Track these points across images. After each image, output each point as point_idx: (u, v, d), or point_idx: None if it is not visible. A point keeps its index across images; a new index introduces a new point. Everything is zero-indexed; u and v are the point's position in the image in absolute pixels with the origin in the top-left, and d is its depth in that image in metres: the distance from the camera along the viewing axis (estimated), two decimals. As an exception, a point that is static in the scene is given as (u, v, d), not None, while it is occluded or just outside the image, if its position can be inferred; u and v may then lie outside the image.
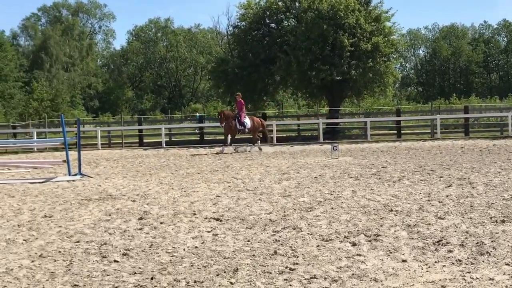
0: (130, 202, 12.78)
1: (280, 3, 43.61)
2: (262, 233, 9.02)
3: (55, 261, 7.76)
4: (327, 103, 45.46)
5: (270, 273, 6.82)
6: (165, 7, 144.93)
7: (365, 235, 8.54)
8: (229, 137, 29.33)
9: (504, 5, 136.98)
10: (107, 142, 41.40)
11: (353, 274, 6.64)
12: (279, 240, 8.46)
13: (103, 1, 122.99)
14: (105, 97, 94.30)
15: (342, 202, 11.63)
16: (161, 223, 10.15)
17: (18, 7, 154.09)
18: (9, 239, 9.23)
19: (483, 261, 6.98)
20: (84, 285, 6.61)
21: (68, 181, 17.60)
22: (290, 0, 43.25)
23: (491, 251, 7.39)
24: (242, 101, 30.30)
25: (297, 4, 42.63)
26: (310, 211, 10.82)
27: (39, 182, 17.61)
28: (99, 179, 18.16)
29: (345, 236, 8.56)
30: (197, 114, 60.17)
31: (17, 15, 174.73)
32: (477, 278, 6.33)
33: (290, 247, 8.03)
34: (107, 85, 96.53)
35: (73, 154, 21.18)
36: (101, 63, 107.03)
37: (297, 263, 7.17)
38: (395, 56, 44.68)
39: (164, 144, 35.82)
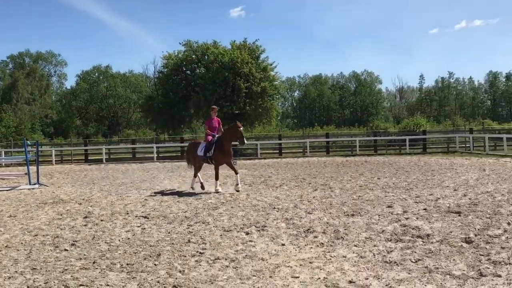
0: (77, 205, 12.37)
1: (193, 56, 43.68)
2: (179, 227, 8.94)
3: (18, 250, 7.45)
4: (228, 130, 45.61)
5: (185, 256, 6.78)
6: (106, 56, 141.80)
7: (255, 227, 8.62)
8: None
9: (354, 60, 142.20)
10: (60, 159, 39.86)
11: (246, 255, 6.69)
12: (192, 232, 8.42)
13: (58, 51, 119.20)
14: (58, 125, 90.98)
15: (239, 203, 11.69)
16: (101, 220, 9.89)
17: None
18: (-19, 234, 8.76)
19: (339, 244, 7.18)
20: (41, 268, 6.38)
21: (29, 189, 16.88)
22: (200, 53, 43.35)
23: (344, 236, 7.61)
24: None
25: (206, 57, 42.75)
26: (216, 209, 10.82)
27: (6, 190, 16.79)
28: (53, 187, 17.48)
29: (241, 228, 8.60)
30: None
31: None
32: (334, 256, 6.51)
33: (200, 236, 8.00)
34: (60, 115, 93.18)
35: (32, 168, 20.29)
36: (55, 99, 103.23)
37: (205, 248, 7.15)
38: (277, 96, 45.51)
39: (104, 161, 34.86)
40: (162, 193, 14.45)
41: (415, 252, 6.52)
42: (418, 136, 36.89)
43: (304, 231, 8.09)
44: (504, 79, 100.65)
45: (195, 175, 15.31)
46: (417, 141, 36.23)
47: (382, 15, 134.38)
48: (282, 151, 38.16)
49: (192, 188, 14.94)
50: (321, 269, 5.90)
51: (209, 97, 39.13)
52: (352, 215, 9.47)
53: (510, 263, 5.84)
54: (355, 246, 7.01)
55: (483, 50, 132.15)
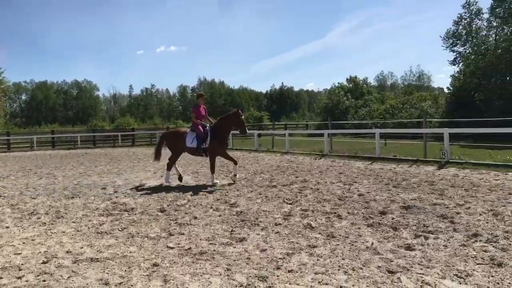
0: None
1: None
2: None
3: None
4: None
5: None
6: None
7: (-20, 214, 7.41)
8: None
9: (77, 70, 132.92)
10: None
11: (-31, 240, 5.71)
12: None
13: None
14: None
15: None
16: None
17: None
18: None
19: (59, 222, 6.72)
20: None
21: None
22: None
23: (64, 216, 7.16)
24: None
25: None
26: None
27: None
28: None
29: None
30: None
31: None
32: (55, 232, 6.07)
33: None
34: None
35: None
36: None
37: None
38: (5, 98, 39.94)
39: None
40: None
41: (122, 223, 6.54)
42: (128, 132, 37.05)
43: (28, 214, 7.31)
44: (190, 91, 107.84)
45: (170, 168, 10.67)
46: (127, 136, 36.30)
47: (103, 35, 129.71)
48: (11, 146, 33.66)
49: (168, 182, 10.43)
50: (42, 244, 5.43)
51: None
52: (72, 197, 8.95)
53: (191, 224, 6.33)
54: (73, 222, 6.65)
55: (178, 68, 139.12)
